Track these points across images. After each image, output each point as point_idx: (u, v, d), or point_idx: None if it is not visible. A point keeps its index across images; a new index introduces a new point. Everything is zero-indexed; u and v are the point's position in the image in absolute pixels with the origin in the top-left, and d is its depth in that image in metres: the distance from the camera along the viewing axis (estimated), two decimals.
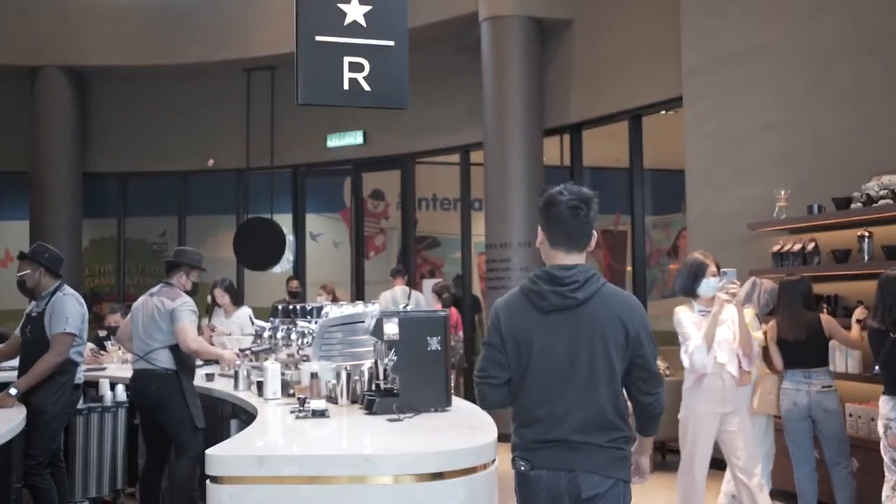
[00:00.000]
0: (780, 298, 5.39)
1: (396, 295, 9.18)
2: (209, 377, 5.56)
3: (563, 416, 2.70)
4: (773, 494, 6.20)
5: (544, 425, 2.72)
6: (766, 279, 5.83)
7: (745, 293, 5.82)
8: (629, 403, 2.84)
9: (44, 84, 11.51)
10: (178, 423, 5.01)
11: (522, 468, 2.77)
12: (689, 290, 4.68)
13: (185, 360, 5.10)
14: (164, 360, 5.03)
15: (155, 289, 5.25)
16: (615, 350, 2.72)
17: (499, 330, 2.80)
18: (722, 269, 4.62)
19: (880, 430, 4.48)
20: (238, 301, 7.47)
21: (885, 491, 4.46)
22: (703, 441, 4.65)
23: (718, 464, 6.35)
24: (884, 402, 4.45)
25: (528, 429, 2.76)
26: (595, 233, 2.83)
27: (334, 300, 8.16)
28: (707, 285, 4.59)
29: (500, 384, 2.79)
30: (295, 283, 9.80)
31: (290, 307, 5.02)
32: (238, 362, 5.11)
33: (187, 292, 5.22)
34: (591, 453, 2.69)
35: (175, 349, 5.05)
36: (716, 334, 4.52)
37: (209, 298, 7.76)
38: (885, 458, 4.46)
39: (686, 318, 4.65)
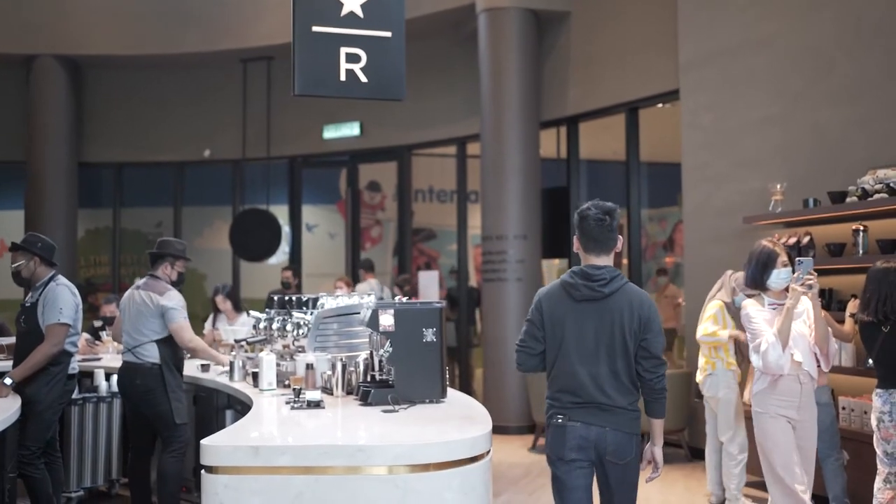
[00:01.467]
0: None
1: (374, 286, 9.32)
2: (204, 368, 5.56)
3: (591, 382, 3.39)
4: (761, 486, 6.24)
5: (578, 389, 3.40)
6: (740, 272, 5.90)
7: (716, 286, 5.91)
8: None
9: (39, 73, 11.46)
10: (160, 417, 5.02)
11: (559, 421, 3.44)
12: (757, 282, 4.26)
13: (171, 355, 5.08)
14: (151, 354, 5.02)
15: (140, 281, 5.22)
16: (629, 333, 3.41)
17: (540, 311, 3.51)
18: (797, 258, 4.21)
19: (874, 423, 4.50)
20: (240, 307, 7.48)
21: (877, 483, 4.48)
22: (785, 450, 4.15)
23: (702, 454, 6.38)
24: (877, 396, 4.47)
25: (564, 392, 3.44)
26: (620, 237, 3.53)
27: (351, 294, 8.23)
28: (778, 276, 4.18)
29: (535, 354, 3.52)
30: (288, 273, 9.77)
31: (286, 298, 5.02)
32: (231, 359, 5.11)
33: (173, 283, 5.20)
34: (617, 415, 3.39)
35: (162, 344, 5.04)
36: (791, 330, 4.09)
37: (211, 304, 7.89)
38: (878, 451, 4.47)
39: (756, 313, 4.22)
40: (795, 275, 4.10)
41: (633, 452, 3.42)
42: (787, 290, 4.14)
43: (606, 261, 3.50)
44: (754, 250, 4.31)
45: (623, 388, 3.41)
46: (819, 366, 4.22)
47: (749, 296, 4.51)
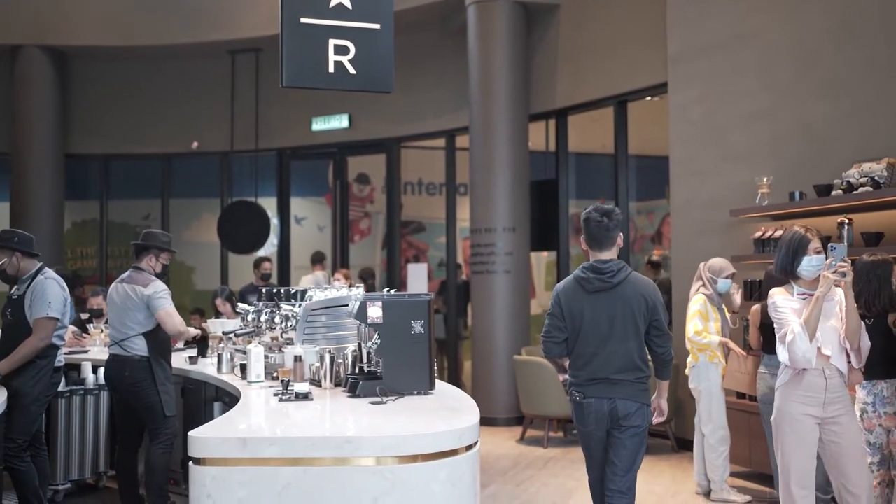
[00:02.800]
0: (766, 283, 5.44)
1: (320, 279, 9.36)
2: (192, 360, 5.55)
3: (605, 362, 3.91)
4: (751, 476, 6.29)
5: (593, 368, 3.92)
6: (711, 259, 5.94)
7: (695, 280, 5.95)
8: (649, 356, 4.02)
9: (24, 64, 11.37)
10: (149, 409, 5.00)
11: (577, 398, 3.98)
12: (787, 270, 3.99)
13: (159, 347, 5.07)
14: (138, 346, 4.99)
15: (125, 274, 5.18)
16: (639, 316, 3.92)
17: (559, 305, 4.03)
18: (830, 244, 3.89)
19: (857, 414, 4.54)
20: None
21: None
22: (800, 450, 3.94)
23: (688, 445, 6.43)
24: (861, 388, 4.51)
25: (581, 371, 3.96)
26: (620, 234, 4.01)
27: (350, 286, 8.23)
28: (809, 264, 3.90)
29: (559, 342, 4.03)
30: (268, 265, 9.59)
31: (275, 290, 5.02)
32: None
33: (157, 275, 5.17)
34: (625, 387, 3.90)
35: (149, 336, 5.01)
36: (820, 321, 3.84)
37: (212, 307, 7.99)
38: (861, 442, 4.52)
39: (783, 302, 3.97)
40: (828, 261, 3.83)
41: (640, 421, 3.90)
42: (819, 279, 3.87)
43: (610, 255, 3.99)
44: (785, 236, 4.07)
45: (632, 366, 3.91)
46: (850, 362, 3.95)
47: (776, 284, 4.23)
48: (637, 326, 3.91)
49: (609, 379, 3.90)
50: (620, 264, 3.97)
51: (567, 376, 4.18)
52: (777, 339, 3.97)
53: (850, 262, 3.86)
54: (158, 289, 5.03)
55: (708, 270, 5.88)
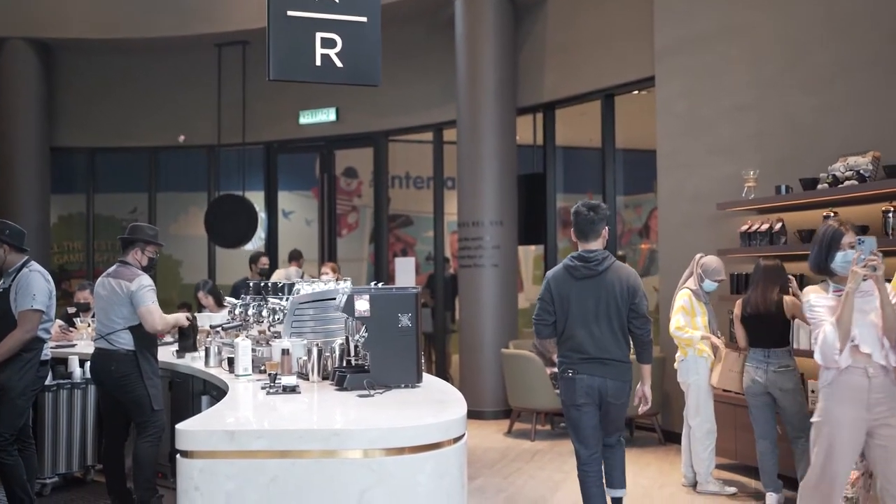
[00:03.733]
0: (754, 277, 5.48)
1: (291, 273, 9.36)
2: (179, 354, 5.54)
3: (592, 342, 4.39)
4: (736, 469, 6.35)
5: (583, 348, 4.40)
6: (710, 256, 5.95)
7: (685, 272, 5.97)
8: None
9: (9, 56, 11.28)
10: (136, 403, 4.99)
11: (570, 374, 4.43)
12: (821, 267, 3.87)
13: (145, 341, 5.06)
14: (124, 340, 4.98)
15: (111, 269, 5.16)
16: (621, 300, 4.40)
17: (550, 291, 4.49)
18: (858, 237, 3.75)
19: None
20: (221, 302, 7.47)
21: None
22: (840, 453, 3.77)
23: (674, 437, 6.48)
24: None
25: (573, 351, 4.43)
26: (606, 227, 4.48)
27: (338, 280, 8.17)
28: (844, 259, 3.78)
29: (549, 324, 4.50)
30: (266, 260, 9.59)
31: (262, 284, 5.01)
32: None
33: (144, 268, 5.15)
34: (615, 367, 4.41)
35: (135, 330, 5.00)
36: (856, 318, 3.69)
37: (195, 300, 7.99)
38: None
39: (818, 300, 3.83)
40: (856, 255, 3.68)
41: (626, 398, 4.47)
42: None
43: (596, 245, 4.46)
44: (818, 231, 3.94)
45: (618, 344, 4.41)
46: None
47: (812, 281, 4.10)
48: (619, 309, 4.40)
49: (599, 359, 4.39)
50: (605, 254, 4.45)
51: (554, 369, 4.59)
52: (812, 339, 3.87)
53: (880, 255, 3.70)
54: (143, 284, 5.01)
55: (700, 266, 5.88)
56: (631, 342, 4.51)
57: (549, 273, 4.57)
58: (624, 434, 4.76)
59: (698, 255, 5.94)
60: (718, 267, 5.86)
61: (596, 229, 4.43)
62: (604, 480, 4.58)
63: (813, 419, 3.93)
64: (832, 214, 5.69)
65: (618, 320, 4.40)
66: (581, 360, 4.39)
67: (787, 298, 5.29)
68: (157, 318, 5.01)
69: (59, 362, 6.05)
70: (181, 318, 5.48)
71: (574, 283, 4.43)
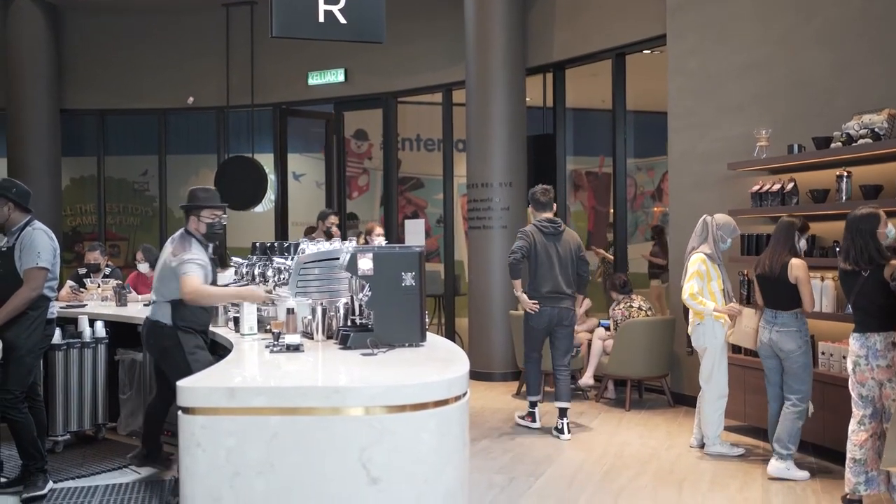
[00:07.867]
0: (772, 236, 5.42)
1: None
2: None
3: (554, 281, 6.40)
4: (745, 430, 6.34)
5: (548, 286, 6.40)
6: (718, 214, 5.88)
7: (697, 236, 5.87)
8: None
9: (16, 16, 11.23)
10: (176, 376, 4.84)
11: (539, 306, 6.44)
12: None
13: (187, 316, 4.70)
14: (164, 314, 4.71)
15: (176, 234, 4.83)
16: (573, 252, 6.47)
17: (528, 239, 6.42)
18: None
19: (849, 367, 4.55)
20: (225, 263, 7.30)
21: (852, 426, 4.56)
22: None
23: (689, 401, 6.48)
24: (854, 340, 4.52)
25: (540, 287, 6.40)
26: (555, 203, 6.65)
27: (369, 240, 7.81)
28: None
29: (521, 259, 6.36)
30: (334, 219, 8.50)
31: (268, 244, 5.00)
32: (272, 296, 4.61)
33: (205, 236, 4.77)
34: (567, 298, 6.46)
35: (176, 304, 4.68)
36: None
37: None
38: (853, 395, 4.54)
39: None
40: None
41: (572, 322, 6.51)
42: None
43: (551, 215, 6.53)
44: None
45: (571, 284, 6.44)
46: None
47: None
48: (572, 259, 6.43)
49: (559, 293, 6.39)
50: (560, 221, 6.56)
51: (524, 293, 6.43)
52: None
53: None
54: (185, 258, 4.57)
55: (718, 228, 5.77)
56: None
57: (528, 228, 6.51)
58: (571, 356, 6.64)
59: (707, 217, 5.85)
60: (732, 222, 5.82)
61: (550, 202, 6.54)
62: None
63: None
64: (846, 174, 5.61)
65: (571, 267, 6.42)
66: (546, 295, 6.36)
67: (793, 261, 5.21)
68: (185, 287, 4.51)
69: (70, 322, 6.09)
70: (242, 292, 4.66)
71: (543, 238, 6.40)
